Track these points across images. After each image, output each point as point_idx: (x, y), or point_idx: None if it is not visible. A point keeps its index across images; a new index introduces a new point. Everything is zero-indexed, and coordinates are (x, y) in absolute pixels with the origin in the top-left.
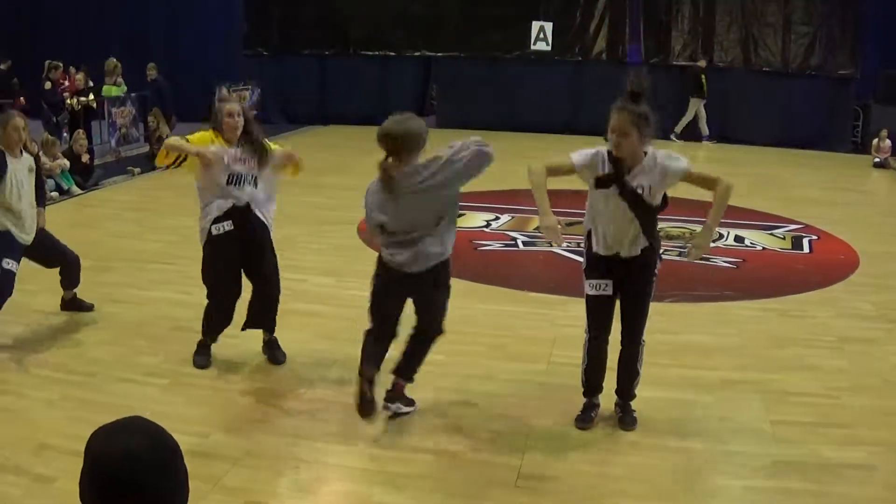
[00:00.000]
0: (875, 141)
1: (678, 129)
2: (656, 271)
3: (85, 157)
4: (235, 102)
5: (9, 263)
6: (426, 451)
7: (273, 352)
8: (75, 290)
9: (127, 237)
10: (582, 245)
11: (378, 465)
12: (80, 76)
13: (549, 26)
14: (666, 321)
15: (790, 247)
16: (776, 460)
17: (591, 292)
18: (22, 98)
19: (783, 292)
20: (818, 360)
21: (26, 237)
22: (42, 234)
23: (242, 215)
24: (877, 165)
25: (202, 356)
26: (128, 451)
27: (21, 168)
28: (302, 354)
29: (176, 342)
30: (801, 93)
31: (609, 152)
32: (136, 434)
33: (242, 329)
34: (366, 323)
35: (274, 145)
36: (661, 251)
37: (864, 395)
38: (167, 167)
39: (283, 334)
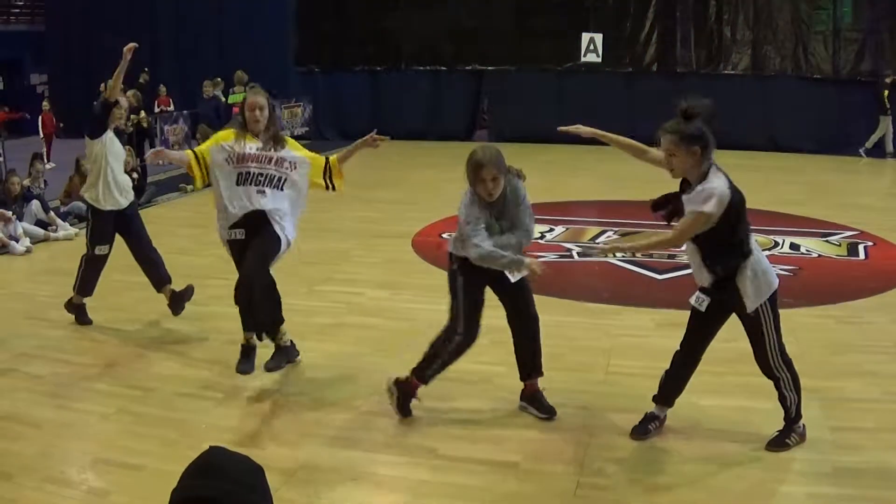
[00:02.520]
0: None
1: (869, 144)
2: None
3: (134, 175)
4: (262, 95)
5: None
6: (484, 463)
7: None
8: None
9: (182, 253)
10: (636, 255)
11: (436, 476)
12: (130, 94)
13: (599, 37)
14: (722, 329)
15: (846, 253)
16: (837, 466)
17: (690, 301)
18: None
19: (840, 299)
20: (877, 366)
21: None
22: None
23: (257, 223)
24: None
25: (243, 363)
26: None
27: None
28: (358, 366)
29: (232, 356)
30: (853, 100)
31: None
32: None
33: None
34: (421, 335)
35: (315, 155)
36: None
37: None
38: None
39: (339, 347)
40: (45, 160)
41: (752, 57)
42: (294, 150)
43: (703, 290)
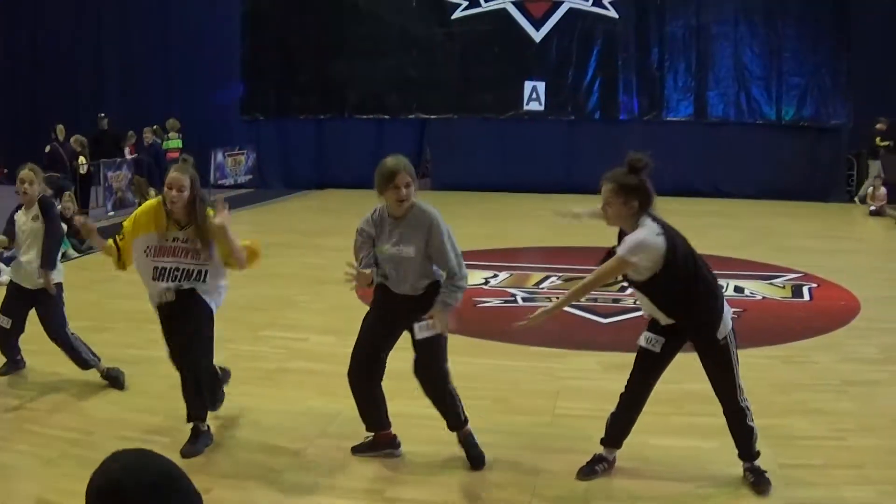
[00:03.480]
0: (870, 189)
1: (862, 192)
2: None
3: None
4: (181, 171)
5: None
6: None
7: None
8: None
9: (124, 298)
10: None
11: None
12: (73, 140)
13: (541, 86)
14: (666, 371)
15: (790, 295)
16: (789, 503)
17: (641, 343)
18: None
19: (785, 339)
20: (823, 404)
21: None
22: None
23: (186, 297)
24: (873, 213)
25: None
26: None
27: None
28: (302, 411)
29: (175, 400)
30: (796, 145)
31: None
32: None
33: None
34: None
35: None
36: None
37: (872, 436)
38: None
39: (284, 392)
40: None
41: (695, 103)
42: (214, 235)
43: (654, 330)
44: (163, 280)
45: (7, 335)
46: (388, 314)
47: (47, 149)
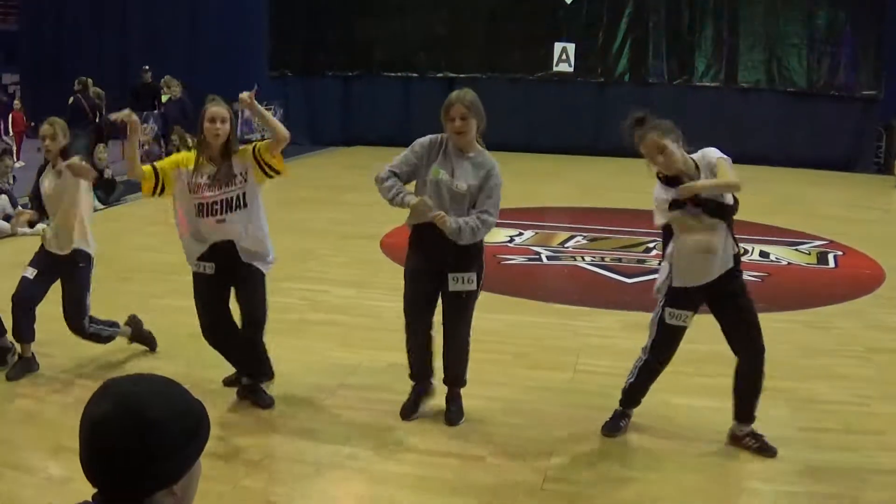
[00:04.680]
0: None
1: None
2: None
3: (108, 173)
4: (222, 106)
5: None
6: (451, 456)
7: (255, 396)
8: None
9: (147, 250)
10: (604, 259)
11: (402, 468)
12: (92, 93)
13: (571, 47)
14: (689, 331)
15: (815, 262)
16: (807, 466)
17: (669, 321)
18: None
19: (809, 305)
20: (846, 370)
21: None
22: None
23: (229, 260)
24: None
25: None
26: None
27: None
28: (322, 362)
29: (193, 348)
30: (825, 113)
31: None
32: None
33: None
34: (386, 331)
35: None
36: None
37: (894, 403)
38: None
39: (306, 343)
40: (15, 158)
41: (725, 69)
42: (241, 160)
43: (680, 305)
44: (207, 215)
45: (29, 295)
46: (427, 255)
47: (70, 100)
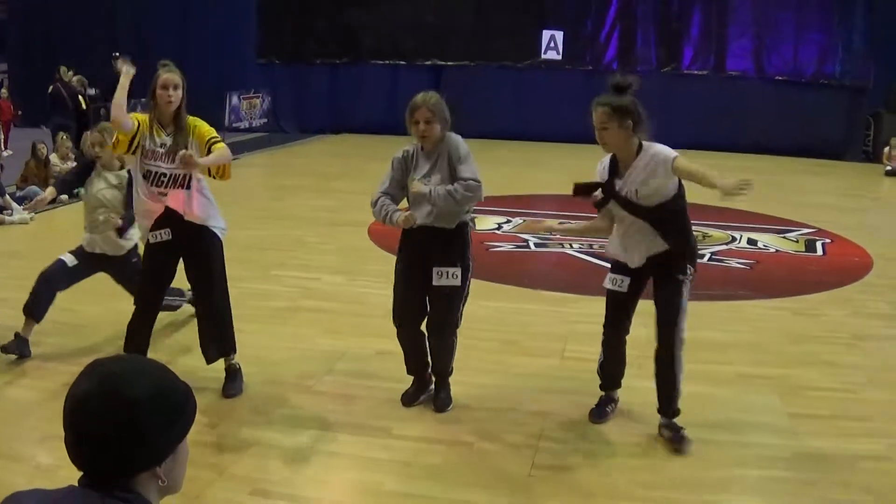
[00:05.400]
0: (886, 149)
1: None
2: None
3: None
4: (175, 72)
5: None
6: (439, 442)
7: (229, 383)
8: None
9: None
10: (592, 246)
11: (389, 454)
12: (75, 80)
13: (559, 35)
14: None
15: (803, 249)
16: (795, 452)
17: (607, 285)
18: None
19: (797, 292)
20: (834, 357)
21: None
22: None
23: (181, 225)
24: (889, 174)
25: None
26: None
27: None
28: (310, 349)
29: (178, 333)
30: (814, 102)
31: (611, 158)
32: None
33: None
34: (374, 318)
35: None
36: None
37: (882, 390)
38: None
39: (294, 330)
40: (2, 147)
41: (714, 57)
42: (197, 140)
43: (618, 271)
44: (151, 184)
45: (58, 279)
46: (413, 252)
47: (50, 89)
